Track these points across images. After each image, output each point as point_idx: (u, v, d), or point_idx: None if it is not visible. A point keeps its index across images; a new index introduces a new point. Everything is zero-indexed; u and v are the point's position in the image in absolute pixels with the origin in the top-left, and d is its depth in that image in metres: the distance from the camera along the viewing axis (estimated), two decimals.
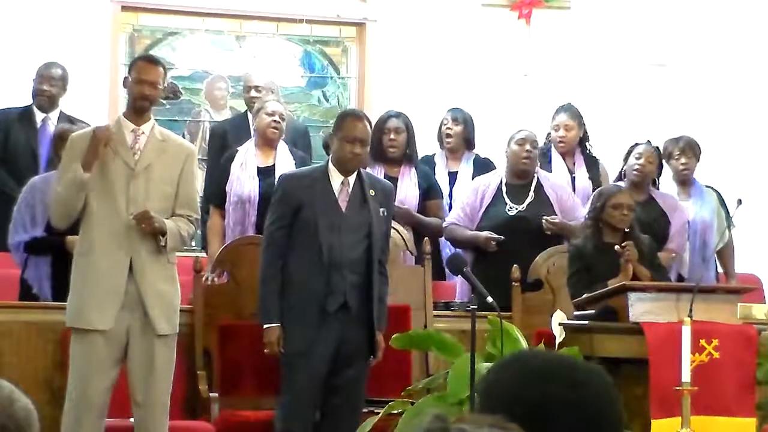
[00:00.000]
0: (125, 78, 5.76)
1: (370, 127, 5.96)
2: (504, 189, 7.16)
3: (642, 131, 7.86)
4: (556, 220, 7.05)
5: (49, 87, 7.57)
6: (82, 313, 5.46)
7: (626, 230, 6.35)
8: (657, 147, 7.35)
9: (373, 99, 9.06)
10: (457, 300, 7.07)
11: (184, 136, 8.93)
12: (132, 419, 5.61)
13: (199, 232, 8.03)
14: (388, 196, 5.97)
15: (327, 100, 9.36)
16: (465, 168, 7.66)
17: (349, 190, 5.79)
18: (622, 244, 6.22)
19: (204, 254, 7.28)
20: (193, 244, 8.38)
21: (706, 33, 9.30)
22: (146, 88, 5.58)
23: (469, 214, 7.14)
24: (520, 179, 7.18)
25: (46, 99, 7.57)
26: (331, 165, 5.84)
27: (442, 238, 7.37)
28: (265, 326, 5.71)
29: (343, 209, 5.76)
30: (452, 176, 7.64)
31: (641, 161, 7.22)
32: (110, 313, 5.42)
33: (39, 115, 7.54)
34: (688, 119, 8.79)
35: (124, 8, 8.95)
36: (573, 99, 8.02)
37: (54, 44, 8.33)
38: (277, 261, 5.72)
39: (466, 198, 7.23)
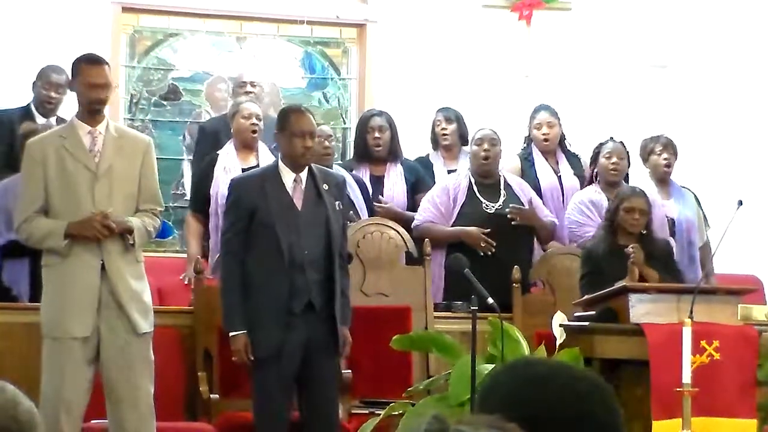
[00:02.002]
0: (70, 82, 5.60)
1: (314, 119, 5.90)
2: (476, 188, 7.16)
3: (642, 133, 7.86)
4: (522, 207, 7.03)
5: (56, 94, 7.54)
6: (59, 321, 5.43)
7: (643, 233, 6.34)
8: (621, 142, 7.36)
9: (373, 100, 9.05)
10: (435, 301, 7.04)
11: (184, 138, 8.94)
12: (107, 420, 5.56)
13: (176, 233, 8.08)
14: (341, 188, 5.91)
15: (327, 102, 9.36)
16: (464, 164, 7.68)
17: (303, 187, 5.73)
18: (630, 246, 6.22)
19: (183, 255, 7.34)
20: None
21: (707, 34, 9.30)
22: (101, 92, 5.52)
23: (444, 213, 7.13)
24: (485, 178, 7.18)
25: (52, 106, 7.54)
26: (281, 164, 5.77)
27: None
28: (231, 334, 5.67)
29: (299, 207, 5.69)
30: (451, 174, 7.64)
31: (614, 160, 7.23)
32: (87, 319, 5.40)
33: (40, 119, 7.50)
34: (688, 120, 8.79)
35: (125, 9, 8.94)
36: (573, 100, 8.02)
37: (54, 45, 8.32)
38: (236, 268, 5.67)
39: (438, 197, 7.20)
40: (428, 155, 7.80)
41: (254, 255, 5.66)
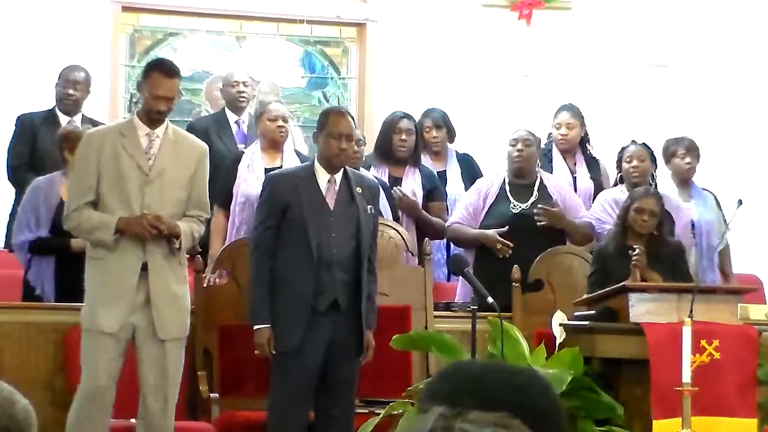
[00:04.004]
0: (139, 82, 5.69)
1: (354, 122, 5.94)
2: (507, 188, 7.17)
3: (642, 132, 7.86)
4: (551, 208, 7.04)
5: (74, 91, 7.52)
6: (92, 314, 5.46)
7: (654, 233, 6.33)
8: (644, 143, 7.36)
9: (373, 99, 9.06)
10: (458, 301, 7.06)
11: None
12: (135, 420, 5.60)
13: None
14: (374, 193, 5.94)
15: (327, 101, 9.36)
16: (452, 166, 7.70)
17: (336, 188, 5.76)
18: (635, 247, 6.21)
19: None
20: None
21: (706, 34, 9.30)
22: (162, 104, 5.54)
23: (472, 214, 7.15)
24: (520, 179, 7.19)
25: (71, 103, 7.52)
26: (317, 163, 5.80)
27: (444, 240, 7.38)
28: (255, 328, 5.68)
29: (331, 207, 5.72)
30: (441, 175, 7.65)
31: (635, 163, 7.24)
32: (119, 316, 5.42)
33: (63, 119, 7.49)
34: (688, 120, 8.79)
35: (125, 9, 8.95)
36: (573, 99, 8.02)
37: (55, 45, 8.33)
38: (265, 263, 5.69)
39: (469, 198, 7.25)
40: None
41: (284, 251, 5.69)
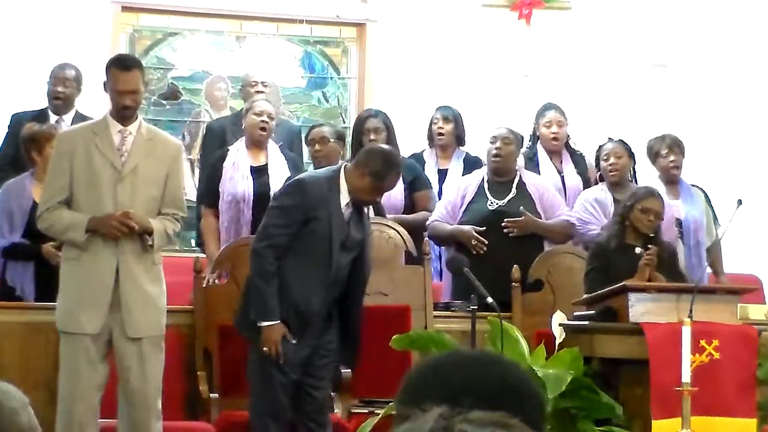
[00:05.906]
0: (104, 83, 5.61)
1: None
2: (486, 186, 7.17)
3: (642, 132, 7.86)
4: (517, 220, 7.03)
5: (63, 89, 7.48)
6: (71, 316, 5.46)
7: (651, 235, 6.33)
8: (621, 140, 7.36)
9: (373, 99, 9.05)
10: (444, 300, 7.06)
11: (183, 137, 8.93)
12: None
13: (193, 231, 8.03)
14: (381, 211, 6.02)
15: (327, 101, 9.36)
16: (455, 165, 7.68)
17: (351, 210, 5.77)
18: (647, 247, 6.20)
19: (203, 255, 7.25)
20: (192, 244, 8.39)
21: (706, 33, 9.30)
22: (127, 99, 5.50)
23: (450, 212, 7.16)
24: (499, 176, 7.19)
25: (61, 101, 7.48)
26: (343, 183, 5.74)
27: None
28: (266, 324, 5.63)
29: (349, 230, 5.74)
30: (442, 174, 7.65)
31: (611, 160, 7.25)
32: (98, 316, 5.42)
33: (53, 118, 7.45)
34: (688, 120, 8.79)
35: (125, 9, 8.95)
36: (573, 99, 8.03)
37: (54, 45, 8.32)
38: (275, 261, 5.68)
39: (449, 196, 7.26)
40: (423, 152, 7.78)
41: (293, 260, 5.67)
